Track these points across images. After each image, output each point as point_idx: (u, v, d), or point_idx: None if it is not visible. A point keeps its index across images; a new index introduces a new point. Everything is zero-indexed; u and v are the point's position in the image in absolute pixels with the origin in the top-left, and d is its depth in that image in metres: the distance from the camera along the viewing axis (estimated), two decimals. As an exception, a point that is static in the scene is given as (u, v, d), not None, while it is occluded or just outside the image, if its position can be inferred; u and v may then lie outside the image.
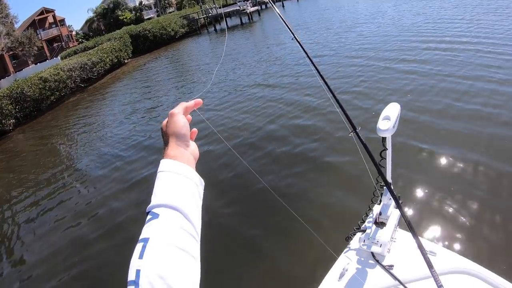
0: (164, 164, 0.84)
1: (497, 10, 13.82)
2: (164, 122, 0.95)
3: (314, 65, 2.19)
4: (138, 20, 49.19)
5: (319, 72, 2.15)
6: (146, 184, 7.27)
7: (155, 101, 14.41)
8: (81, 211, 7.11)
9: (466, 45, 10.29)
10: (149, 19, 47.18)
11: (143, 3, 56.11)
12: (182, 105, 0.97)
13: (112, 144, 10.55)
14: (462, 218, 4.29)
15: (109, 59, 25.53)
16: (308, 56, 2.20)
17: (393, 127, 1.94)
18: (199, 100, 1.01)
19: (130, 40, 30.67)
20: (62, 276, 5.35)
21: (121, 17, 52.25)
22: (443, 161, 5.47)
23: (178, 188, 0.79)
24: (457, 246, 3.95)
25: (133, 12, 54.14)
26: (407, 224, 1.73)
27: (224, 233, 5.19)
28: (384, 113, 1.99)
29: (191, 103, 0.99)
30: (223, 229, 5.26)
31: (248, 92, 11.47)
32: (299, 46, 2.22)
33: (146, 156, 8.82)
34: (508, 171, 4.84)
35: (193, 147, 0.95)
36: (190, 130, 0.97)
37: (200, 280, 0.70)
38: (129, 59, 28.87)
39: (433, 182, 5.01)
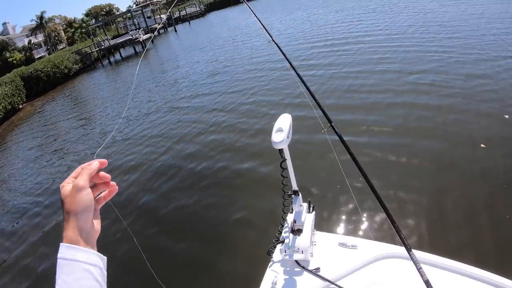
0: (64, 250, 0.81)
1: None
2: (65, 191, 0.87)
3: (292, 66, 2.51)
4: (29, 60, 47.47)
5: (297, 74, 2.43)
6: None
7: (59, 145, 14.25)
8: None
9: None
10: (40, 58, 45.82)
11: (32, 42, 54.17)
12: (86, 172, 0.90)
13: (23, 193, 10.38)
14: (374, 207, 4.60)
15: (2, 106, 24.82)
16: (287, 59, 2.58)
17: (287, 137, 1.99)
18: (104, 160, 0.95)
19: (23, 83, 29.79)
20: None
21: (10, 59, 49.97)
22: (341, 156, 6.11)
23: (80, 282, 0.79)
24: (375, 234, 4.24)
25: (23, 52, 52.05)
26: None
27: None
28: (276, 125, 2.03)
29: (94, 167, 0.92)
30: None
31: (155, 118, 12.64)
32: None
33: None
34: (408, 151, 5.75)
35: (96, 222, 0.92)
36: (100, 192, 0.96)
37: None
38: (23, 104, 28.29)
39: (337, 178, 5.32)
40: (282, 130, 1.97)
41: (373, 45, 12.68)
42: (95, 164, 0.93)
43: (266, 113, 9.42)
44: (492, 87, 7.40)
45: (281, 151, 2.10)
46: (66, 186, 0.87)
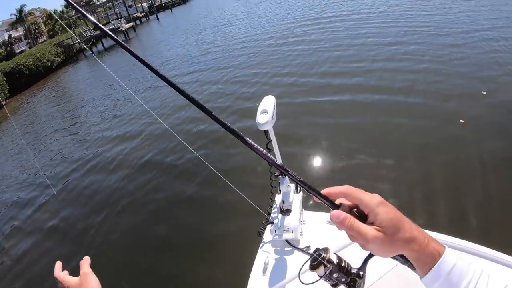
0: None
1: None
2: (70, 281, 1.14)
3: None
4: (10, 55, 46.43)
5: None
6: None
7: (44, 144, 13.95)
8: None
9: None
10: (21, 52, 44.97)
11: (12, 36, 53.09)
12: (87, 261, 1.19)
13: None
14: (362, 181, 4.96)
15: (-16, 104, 24.46)
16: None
17: (272, 118, 2.00)
18: (87, 257, 1.20)
19: (5, 79, 29.31)
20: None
21: (-10, 55, 48.98)
22: (327, 133, 6.62)
23: None
24: None
25: (3, 47, 51.03)
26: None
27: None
28: (261, 106, 2.03)
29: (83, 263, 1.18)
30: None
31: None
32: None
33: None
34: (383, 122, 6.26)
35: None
36: None
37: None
38: (7, 100, 27.74)
39: (323, 156, 5.93)
40: (266, 111, 1.98)
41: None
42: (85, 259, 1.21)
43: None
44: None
45: (266, 132, 2.09)
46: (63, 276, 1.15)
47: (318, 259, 0.96)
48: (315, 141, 6.63)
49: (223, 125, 0.90)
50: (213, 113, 0.90)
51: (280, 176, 2.35)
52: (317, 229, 2.42)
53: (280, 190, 2.49)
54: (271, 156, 0.87)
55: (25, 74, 31.64)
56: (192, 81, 13.54)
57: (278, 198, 2.50)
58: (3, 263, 7.01)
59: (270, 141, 2.16)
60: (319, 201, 0.84)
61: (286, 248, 2.35)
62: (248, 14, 24.89)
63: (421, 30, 10.72)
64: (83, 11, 1.14)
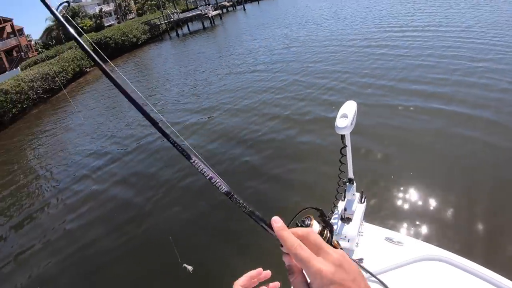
0: None
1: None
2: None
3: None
4: (99, 27, 48.55)
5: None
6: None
7: (120, 110, 14.48)
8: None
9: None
10: (109, 26, 46.73)
11: (103, 10, 55.42)
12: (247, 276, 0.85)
13: (77, 161, 10.37)
14: (426, 207, 4.58)
15: (71, 68, 25.38)
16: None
17: (351, 124, 1.97)
18: (268, 272, 0.87)
19: (92, 48, 29.90)
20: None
21: (80, 25, 51.38)
22: (404, 155, 5.89)
23: None
24: (422, 234, 4.18)
25: (93, 19, 53.39)
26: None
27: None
28: (341, 110, 2.02)
29: (255, 273, 0.86)
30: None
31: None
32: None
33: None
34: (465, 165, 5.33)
35: None
36: None
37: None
38: (91, 68, 28.67)
39: (394, 175, 5.38)
40: (346, 116, 1.97)
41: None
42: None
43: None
44: None
45: (343, 137, 2.08)
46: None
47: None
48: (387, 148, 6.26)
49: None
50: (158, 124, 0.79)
51: (347, 183, 2.39)
52: (374, 243, 2.38)
53: (344, 197, 2.45)
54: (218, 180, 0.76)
55: (111, 46, 32.57)
56: (267, 72, 12.98)
57: (341, 205, 2.48)
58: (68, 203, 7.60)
59: (345, 146, 2.17)
60: None
61: None
62: (335, 15, 23.41)
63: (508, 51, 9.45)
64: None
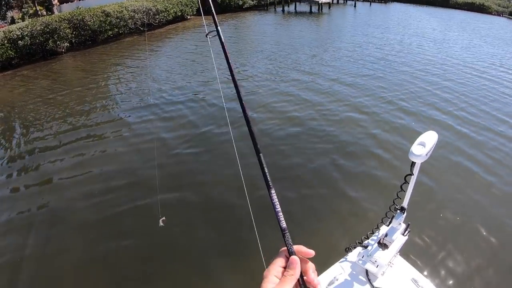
0: None
1: None
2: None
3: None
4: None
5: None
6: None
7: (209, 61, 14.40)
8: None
9: None
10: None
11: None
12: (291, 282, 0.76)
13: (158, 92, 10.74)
14: (466, 267, 4.20)
15: (173, 11, 25.59)
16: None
17: (426, 155, 1.90)
18: (311, 251, 0.82)
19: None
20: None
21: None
22: (469, 208, 5.30)
23: None
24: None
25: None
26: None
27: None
28: (420, 138, 1.96)
29: (304, 251, 0.82)
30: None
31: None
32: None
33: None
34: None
35: None
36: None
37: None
38: (191, 16, 28.88)
39: (449, 223, 4.97)
40: (424, 145, 1.91)
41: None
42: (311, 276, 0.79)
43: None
44: None
45: (413, 164, 2.02)
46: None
47: None
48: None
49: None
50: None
51: (398, 211, 2.33)
52: (398, 279, 2.32)
53: (389, 223, 2.37)
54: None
55: (217, 2, 32.21)
56: (348, 82, 11.48)
57: (383, 229, 2.43)
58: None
59: (411, 174, 2.09)
60: None
61: (361, 277, 2.29)
62: (442, 36, 21.56)
63: None
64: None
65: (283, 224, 0.84)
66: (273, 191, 0.85)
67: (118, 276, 4.28)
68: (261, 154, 0.92)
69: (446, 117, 8.46)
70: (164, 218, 3.07)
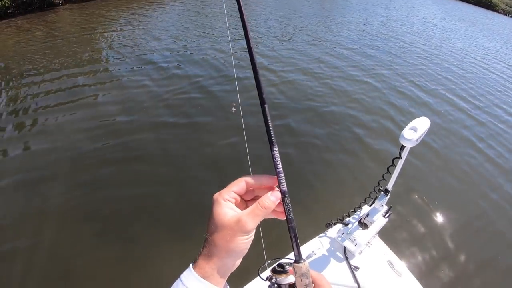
0: (191, 279, 0.65)
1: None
2: (223, 217, 0.68)
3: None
4: None
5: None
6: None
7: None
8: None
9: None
10: None
11: None
12: (262, 215, 0.69)
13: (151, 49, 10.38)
14: (445, 254, 4.27)
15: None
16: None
17: (416, 140, 1.90)
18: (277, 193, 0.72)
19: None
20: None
21: None
22: (455, 196, 5.45)
23: None
24: (424, 277, 3.82)
25: None
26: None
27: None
28: (412, 123, 1.94)
29: (272, 206, 0.71)
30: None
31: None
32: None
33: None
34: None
35: (239, 260, 0.71)
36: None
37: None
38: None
39: (433, 207, 5.05)
40: (415, 130, 1.89)
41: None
42: (271, 202, 0.70)
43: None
44: None
45: (402, 148, 1.99)
46: (226, 210, 0.69)
47: (282, 270, 0.76)
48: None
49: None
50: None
51: (382, 193, 2.31)
52: (375, 260, 2.35)
53: (372, 203, 2.40)
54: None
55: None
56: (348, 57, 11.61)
57: (365, 209, 2.45)
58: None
59: (399, 158, 2.07)
60: None
61: (338, 254, 2.31)
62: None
63: None
64: None
65: (284, 187, 0.73)
66: (275, 148, 0.74)
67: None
68: (266, 105, 0.79)
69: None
70: (235, 104, 3.33)
